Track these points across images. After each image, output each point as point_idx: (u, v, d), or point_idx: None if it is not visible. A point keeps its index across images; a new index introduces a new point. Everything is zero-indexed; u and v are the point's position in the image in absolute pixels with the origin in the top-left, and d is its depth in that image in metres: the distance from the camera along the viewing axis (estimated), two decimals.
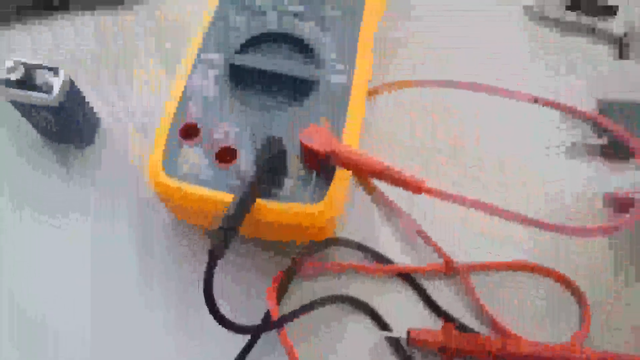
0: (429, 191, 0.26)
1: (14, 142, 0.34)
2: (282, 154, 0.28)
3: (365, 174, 0.27)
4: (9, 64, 0.30)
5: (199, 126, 0.30)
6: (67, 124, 0.32)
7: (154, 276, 0.31)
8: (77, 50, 0.37)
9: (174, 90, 0.31)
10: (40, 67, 0.30)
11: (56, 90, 0.30)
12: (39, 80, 0.30)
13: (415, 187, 0.26)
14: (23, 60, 0.30)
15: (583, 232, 0.26)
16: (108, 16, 0.38)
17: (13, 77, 0.29)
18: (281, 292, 0.30)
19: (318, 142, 0.28)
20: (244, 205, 0.26)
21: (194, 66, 0.31)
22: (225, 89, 0.31)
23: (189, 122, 0.30)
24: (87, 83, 0.36)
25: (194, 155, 0.29)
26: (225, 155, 0.29)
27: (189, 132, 0.30)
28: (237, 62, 0.31)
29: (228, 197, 0.28)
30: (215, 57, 0.32)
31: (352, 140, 0.30)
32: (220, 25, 0.32)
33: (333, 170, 0.29)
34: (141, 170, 0.34)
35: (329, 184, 0.28)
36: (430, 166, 0.34)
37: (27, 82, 0.30)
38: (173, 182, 0.28)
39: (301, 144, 0.28)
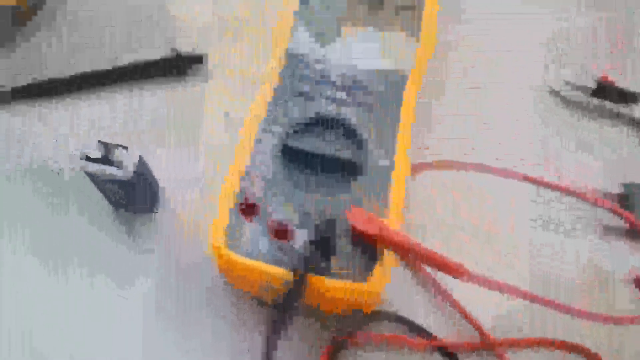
0: (470, 277, 0.29)
1: (86, 210, 0.37)
2: (332, 233, 0.31)
3: (409, 255, 0.30)
4: (89, 142, 0.33)
5: (257, 204, 0.33)
6: (134, 195, 0.35)
7: (207, 342, 0.34)
8: (138, 118, 0.41)
9: (233, 167, 0.34)
10: (114, 145, 0.33)
11: (129, 167, 0.33)
12: (113, 156, 0.33)
13: (457, 272, 0.29)
14: (101, 139, 0.33)
15: (614, 320, 0.28)
16: (168, 86, 0.42)
17: (93, 154, 0.33)
18: None
19: (365, 223, 0.31)
20: (301, 282, 0.29)
21: (253, 146, 0.34)
22: (280, 169, 0.34)
23: (247, 200, 0.33)
24: (147, 151, 0.40)
25: (252, 232, 0.32)
26: (281, 232, 0.32)
27: (248, 209, 0.33)
28: (289, 144, 0.34)
29: (284, 272, 0.30)
30: (272, 138, 0.35)
31: (395, 220, 0.32)
32: (276, 109, 0.36)
33: (379, 249, 0.31)
34: (200, 238, 0.37)
35: (375, 263, 0.31)
36: (464, 248, 0.37)
37: (103, 157, 0.33)
38: (234, 257, 0.31)
39: (349, 224, 0.31)
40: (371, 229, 0.30)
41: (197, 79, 0.42)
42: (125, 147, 0.33)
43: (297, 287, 0.29)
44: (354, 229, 0.31)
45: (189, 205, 0.38)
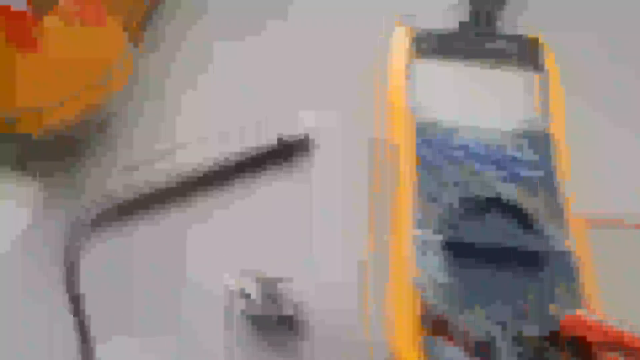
0: None
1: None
2: (544, 344, 0.28)
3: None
4: (246, 280, 0.29)
5: (444, 318, 0.29)
6: (289, 326, 0.31)
7: None
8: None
9: (398, 278, 0.30)
10: (276, 279, 0.29)
11: (291, 302, 0.29)
12: (274, 290, 0.29)
13: None
14: (258, 272, 0.29)
15: None
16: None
17: (253, 295, 0.28)
18: None
19: (583, 329, 0.27)
20: None
21: (414, 250, 0.30)
22: (455, 271, 0.30)
23: (437, 315, 0.29)
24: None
25: (450, 353, 0.28)
26: (483, 349, 0.29)
27: (438, 326, 0.29)
28: (456, 239, 0.30)
29: None
30: (432, 235, 0.31)
31: (595, 307, 0.29)
32: (425, 201, 0.32)
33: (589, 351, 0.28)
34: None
35: None
36: None
37: (264, 293, 0.29)
38: None
39: (567, 332, 0.28)
40: (591, 335, 0.27)
41: (301, 165, 0.38)
42: (289, 280, 0.29)
43: None
44: (571, 336, 0.27)
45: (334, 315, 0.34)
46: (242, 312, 0.29)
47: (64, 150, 0.38)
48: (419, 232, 0.31)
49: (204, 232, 0.36)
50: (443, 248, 0.30)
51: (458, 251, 0.30)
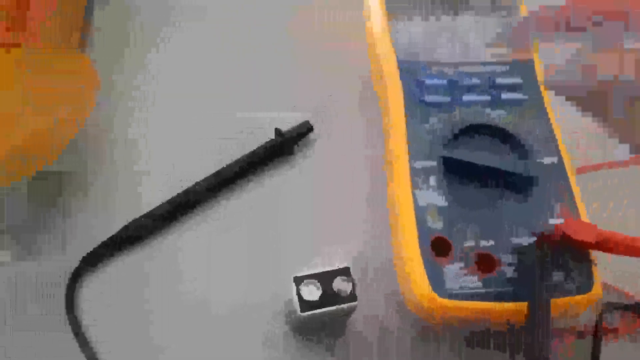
0: None
1: None
2: (544, 252, 0.29)
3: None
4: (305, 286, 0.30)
5: (446, 238, 0.30)
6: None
7: None
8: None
9: (402, 205, 0.31)
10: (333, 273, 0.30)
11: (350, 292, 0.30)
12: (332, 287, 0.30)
13: None
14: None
15: None
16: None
17: (310, 297, 0.30)
18: None
19: (580, 232, 0.29)
20: (546, 310, 0.27)
21: (412, 179, 0.32)
22: (452, 195, 0.31)
23: (436, 236, 0.30)
24: None
25: (455, 271, 0.29)
26: (485, 263, 0.30)
27: (440, 247, 0.30)
28: (452, 156, 0.32)
29: (504, 306, 0.29)
30: (426, 163, 0.32)
31: (584, 216, 0.31)
32: (416, 134, 0.33)
33: (587, 255, 0.30)
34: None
35: (589, 266, 0.30)
36: None
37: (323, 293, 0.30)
38: (447, 302, 0.29)
39: (565, 237, 0.29)
40: (588, 237, 0.28)
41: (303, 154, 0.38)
42: (345, 271, 0.30)
43: (542, 316, 0.27)
44: (569, 240, 0.29)
45: None
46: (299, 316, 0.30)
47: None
48: (414, 162, 0.32)
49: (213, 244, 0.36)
50: (439, 175, 0.31)
51: (455, 179, 0.32)
